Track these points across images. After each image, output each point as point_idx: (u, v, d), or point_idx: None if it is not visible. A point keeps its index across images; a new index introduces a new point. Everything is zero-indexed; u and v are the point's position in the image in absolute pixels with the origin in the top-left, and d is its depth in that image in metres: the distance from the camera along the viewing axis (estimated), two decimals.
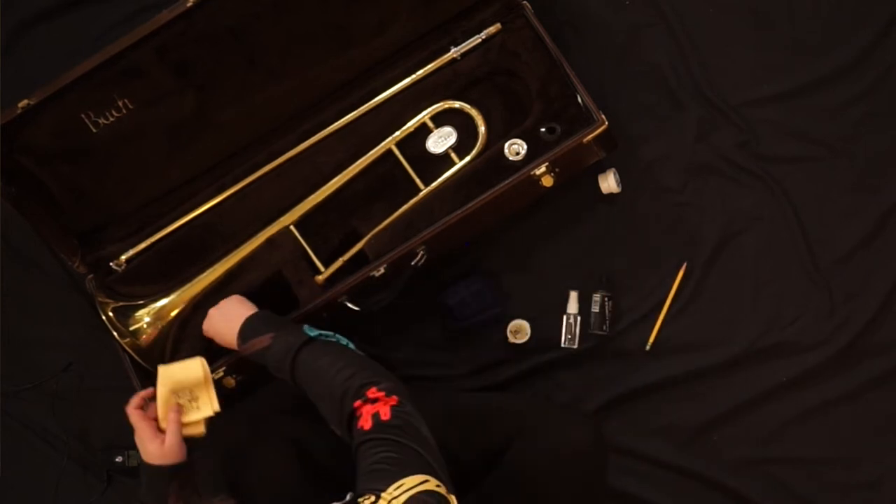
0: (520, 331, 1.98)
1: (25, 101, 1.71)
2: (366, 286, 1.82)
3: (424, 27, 1.94)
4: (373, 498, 1.26)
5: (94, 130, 1.80)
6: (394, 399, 1.38)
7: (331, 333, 1.56)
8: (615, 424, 1.93)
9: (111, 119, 1.79)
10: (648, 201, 2.01)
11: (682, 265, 1.97)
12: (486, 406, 1.80)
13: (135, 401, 1.54)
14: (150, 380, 1.81)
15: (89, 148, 1.82)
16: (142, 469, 1.53)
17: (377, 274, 1.81)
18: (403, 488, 1.27)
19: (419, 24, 1.93)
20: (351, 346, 1.54)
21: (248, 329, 1.58)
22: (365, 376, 1.42)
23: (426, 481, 1.28)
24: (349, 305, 1.83)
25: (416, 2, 1.89)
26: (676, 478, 1.91)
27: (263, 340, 1.53)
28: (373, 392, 1.39)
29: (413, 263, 1.85)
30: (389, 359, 1.99)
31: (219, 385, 1.79)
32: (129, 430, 1.96)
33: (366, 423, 1.36)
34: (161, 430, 1.52)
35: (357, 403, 1.38)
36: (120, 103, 1.78)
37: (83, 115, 1.78)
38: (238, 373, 1.81)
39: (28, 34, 2.19)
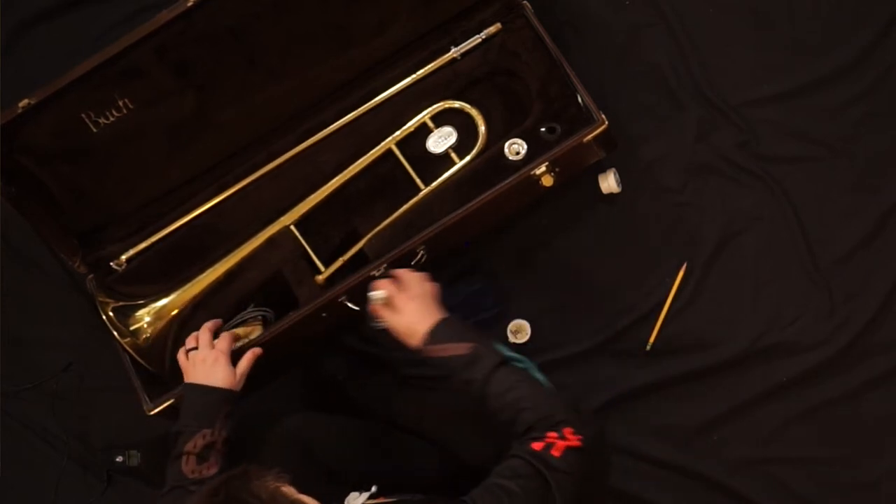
0: (520, 331, 1.97)
1: (25, 101, 1.71)
2: (366, 286, 1.82)
3: (424, 27, 1.94)
4: None
5: (95, 130, 1.80)
6: (578, 443, 1.39)
7: (523, 358, 1.55)
8: (615, 424, 1.92)
9: (111, 119, 1.79)
10: (648, 201, 2.01)
11: (682, 265, 1.97)
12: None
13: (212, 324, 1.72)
14: (151, 380, 1.82)
15: (89, 148, 1.82)
16: (195, 394, 1.61)
17: (377, 274, 1.80)
18: None
19: (419, 24, 1.93)
20: (540, 375, 1.53)
21: (443, 331, 1.54)
22: (566, 413, 1.43)
23: None
24: (349, 305, 1.83)
25: (416, 2, 1.89)
26: (676, 478, 1.90)
27: (459, 348, 1.50)
28: (569, 432, 1.40)
29: (413, 263, 1.85)
30: (390, 359, 1.98)
31: None
32: (130, 430, 1.99)
33: (538, 444, 1.38)
34: None
35: (551, 434, 1.40)
36: (120, 103, 1.78)
37: (83, 115, 1.78)
38: None
39: (28, 34, 2.19)
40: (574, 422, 1.41)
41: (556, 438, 1.38)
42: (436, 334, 1.53)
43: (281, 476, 1.25)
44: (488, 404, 1.47)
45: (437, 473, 1.75)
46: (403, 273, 1.64)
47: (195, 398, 1.61)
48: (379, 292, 1.61)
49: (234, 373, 1.64)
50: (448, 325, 1.54)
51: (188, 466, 1.53)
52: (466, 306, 1.94)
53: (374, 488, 1.43)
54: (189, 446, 1.54)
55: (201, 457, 1.53)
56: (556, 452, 1.36)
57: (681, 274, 1.96)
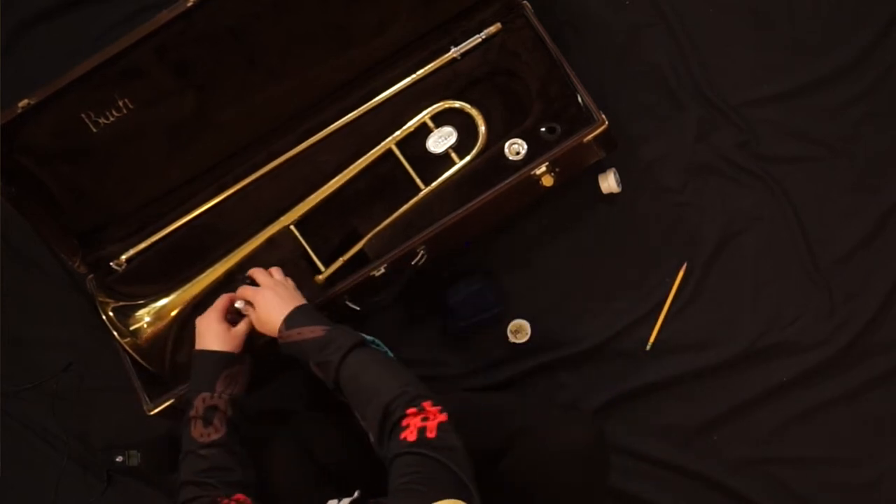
0: (520, 331, 1.97)
1: (25, 101, 1.71)
2: (366, 286, 1.82)
3: (424, 27, 1.94)
4: None
5: (94, 130, 1.80)
6: (444, 416, 1.38)
7: (378, 341, 1.56)
8: (615, 424, 1.92)
9: (111, 119, 1.79)
10: (648, 201, 2.01)
11: (682, 265, 1.97)
12: (486, 406, 1.79)
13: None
14: (151, 380, 1.82)
15: (89, 148, 1.82)
16: (195, 360, 1.61)
17: (377, 274, 1.81)
18: None
19: (419, 24, 1.93)
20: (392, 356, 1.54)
21: (299, 317, 1.57)
22: (422, 388, 1.42)
23: None
24: (349, 305, 1.83)
25: (416, 2, 1.89)
26: (676, 478, 1.91)
27: (315, 330, 1.53)
28: (428, 405, 1.39)
29: (413, 263, 1.85)
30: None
31: None
32: (130, 430, 1.99)
33: (410, 434, 1.35)
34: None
35: (410, 410, 1.38)
36: (120, 103, 1.78)
37: (83, 115, 1.77)
38: None
39: (28, 34, 2.19)
40: (429, 394, 1.41)
41: (422, 419, 1.37)
42: (291, 321, 1.55)
43: None
44: (344, 387, 1.48)
45: None
46: (254, 271, 1.67)
47: (194, 363, 1.62)
48: (239, 302, 1.65)
49: (229, 333, 1.62)
50: (304, 311, 1.57)
51: (196, 431, 1.54)
52: (466, 306, 1.94)
53: (356, 493, 1.43)
54: (192, 411, 1.56)
55: (206, 420, 1.54)
56: (431, 434, 1.35)
57: (681, 274, 1.97)
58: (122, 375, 1.83)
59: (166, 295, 1.81)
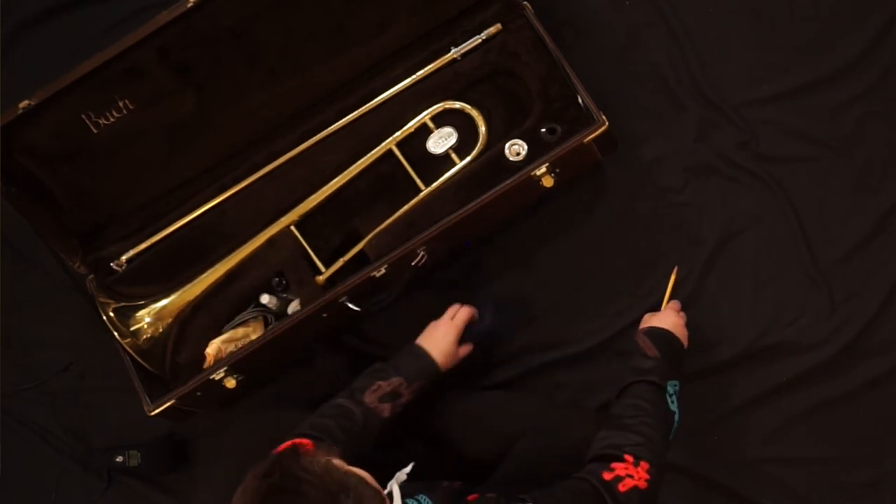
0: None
1: (26, 102, 1.71)
2: (366, 286, 1.82)
3: (424, 27, 1.94)
4: None
5: (95, 131, 1.80)
6: (644, 485, 1.42)
7: (675, 398, 1.61)
8: None
9: (111, 119, 1.80)
10: (648, 201, 2.01)
11: (674, 269, 1.93)
12: (488, 405, 1.80)
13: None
14: (151, 380, 1.82)
15: (89, 148, 1.82)
16: (419, 352, 1.71)
17: (378, 274, 1.81)
18: None
19: (419, 24, 1.93)
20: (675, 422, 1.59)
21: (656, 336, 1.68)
22: (653, 452, 1.47)
23: None
24: (350, 305, 1.83)
25: (416, 2, 1.89)
26: (677, 478, 1.91)
27: (653, 350, 1.63)
28: (644, 467, 1.44)
29: (414, 264, 1.85)
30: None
31: (220, 386, 1.80)
32: (130, 430, 1.99)
33: (607, 474, 1.41)
34: None
35: (629, 458, 1.44)
36: (120, 104, 1.79)
37: (83, 116, 1.78)
38: (238, 373, 1.81)
39: (28, 34, 2.19)
40: (654, 459, 1.46)
41: (626, 474, 1.42)
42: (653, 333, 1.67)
43: (331, 449, 1.28)
44: (620, 400, 1.56)
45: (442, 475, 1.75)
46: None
47: (418, 354, 1.71)
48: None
49: (454, 354, 1.74)
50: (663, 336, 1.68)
51: (372, 394, 1.63)
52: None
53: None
54: (385, 382, 1.65)
55: (385, 396, 1.63)
56: (622, 488, 1.40)
57: (673, 277, 1.92)
58: (123, 375, 1.84)
59: (167, 296, 1.81)
